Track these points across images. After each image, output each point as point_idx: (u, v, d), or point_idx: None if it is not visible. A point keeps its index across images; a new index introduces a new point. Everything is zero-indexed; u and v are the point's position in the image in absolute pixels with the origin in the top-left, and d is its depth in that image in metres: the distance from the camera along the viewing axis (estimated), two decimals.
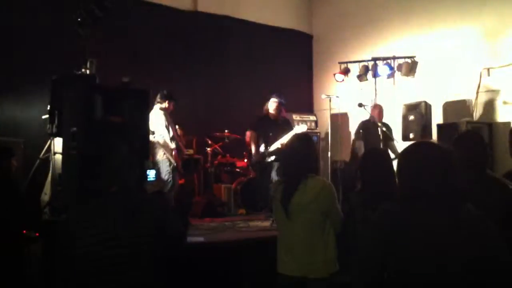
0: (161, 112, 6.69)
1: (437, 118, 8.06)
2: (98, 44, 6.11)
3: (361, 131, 7.48)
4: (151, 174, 6.25)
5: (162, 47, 8.43)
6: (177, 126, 7.14)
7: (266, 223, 6.22)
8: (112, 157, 2.49)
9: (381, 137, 7.24)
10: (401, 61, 8.59)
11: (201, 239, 5.06)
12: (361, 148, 7.32)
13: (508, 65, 7.51)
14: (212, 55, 9.13)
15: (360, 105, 7.28)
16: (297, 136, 4.29)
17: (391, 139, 7.37)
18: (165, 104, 6.82)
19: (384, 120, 7.59)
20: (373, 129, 7.33)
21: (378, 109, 7.57)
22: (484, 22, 7.82)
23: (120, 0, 7.81)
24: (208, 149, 8.26)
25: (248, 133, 7.32)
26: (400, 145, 7.26)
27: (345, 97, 8.11)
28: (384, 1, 9.38)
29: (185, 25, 8.91)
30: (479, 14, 7.89)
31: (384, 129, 7.27)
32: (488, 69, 7.76)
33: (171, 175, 6.59)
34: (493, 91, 7.72)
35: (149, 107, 5.68)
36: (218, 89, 9.03)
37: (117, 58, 7.47)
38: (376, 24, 9.29)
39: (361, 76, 8.92)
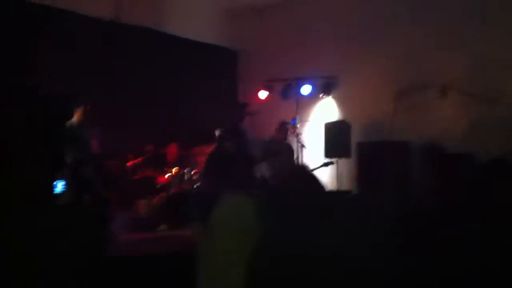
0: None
1: (356, 137, 8.28)
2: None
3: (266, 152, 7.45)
4: (58, 186, 5.88)
5: (83, 58, 8.08)
6: None
7: (188, 239, 6.09)
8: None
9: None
10: (323, 80, 8.82)
11: (120, 253, 4.91)
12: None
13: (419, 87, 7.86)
14: (135, 68, 8.89)
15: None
16: (217, 153, 4.23)
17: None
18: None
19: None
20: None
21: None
22: (405, 44, 8.19)
23: (41, 9, 7.52)
24: (128, 163, 8.01)
25: None
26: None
27: (268, 114, 8.15)
28: (309, 19, 9.56)
29: (107, 36, 8.62)
30: (395, 38, 8.25)
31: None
32: (403, 91, 8.07)
33: None
34: (408, 111, 8.03)
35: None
36: (141, 103, 8.80)
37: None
38: (301, 43, 9.45)
39: (284, 94, 9.06)
